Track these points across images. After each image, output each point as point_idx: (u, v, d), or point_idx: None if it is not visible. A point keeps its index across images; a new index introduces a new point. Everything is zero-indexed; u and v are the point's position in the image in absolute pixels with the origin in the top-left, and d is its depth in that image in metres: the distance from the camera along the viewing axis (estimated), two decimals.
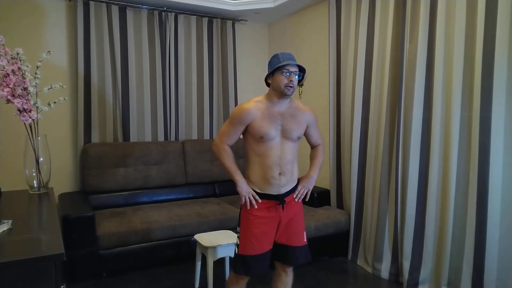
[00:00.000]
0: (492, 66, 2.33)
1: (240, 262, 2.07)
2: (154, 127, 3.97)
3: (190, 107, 4.16)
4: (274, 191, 2.04)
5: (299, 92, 4.18)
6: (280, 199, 2.04)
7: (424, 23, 2.71)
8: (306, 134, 2.19)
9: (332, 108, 3.63)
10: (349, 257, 3.45)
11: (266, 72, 2.07)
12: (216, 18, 4.22)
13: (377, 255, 3.14)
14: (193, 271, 2.90)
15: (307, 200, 2.18)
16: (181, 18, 4.03)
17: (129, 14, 3.78)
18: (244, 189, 2.03)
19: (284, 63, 1.95)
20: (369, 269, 3.22)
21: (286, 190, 2.07)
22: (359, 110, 3.28)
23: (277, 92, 2.01)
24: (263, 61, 4.64)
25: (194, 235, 2.87)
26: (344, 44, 3.45)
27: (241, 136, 2.14)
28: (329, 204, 3.73)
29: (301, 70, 2.04)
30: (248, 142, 2.07)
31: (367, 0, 3.16)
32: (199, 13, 4.10)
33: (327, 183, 3.80)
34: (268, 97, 2.06)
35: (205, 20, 4.17)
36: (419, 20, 2.72)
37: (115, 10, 3.69)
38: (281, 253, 2.11)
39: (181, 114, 4.12)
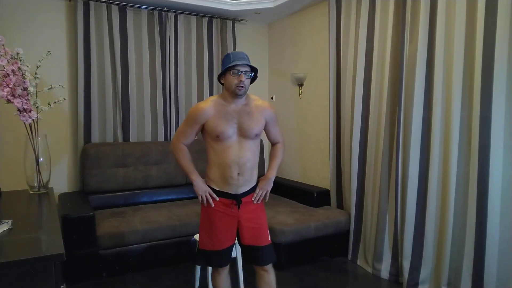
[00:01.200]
0: (492, 66, 2.33)
1: (200, 256, 2.13)
2: (154, 127, 3.97)
3: (190, 107, 4.12)
4: (232, 190, 2.05)
5: (299, 92, 4.18)
6: (237, 199, 2.06)
7: (424, 23, 2.71)
8: (265, 131, 2.17)
9: (332, 108, 3.63)
10: (349, 257, 3.45)
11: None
12: (216, 18, 4.22)
13: (377, 255, 3.14)
14: (193, 271, 2.90)
15: (266, 201, 2.18)
16: (181, 18, 4.03)
17: (129, 14, 3.78)
18: (201, 188, 2.07)
19: (234, 63, 1.94)
20: (369, 269, 3.22)
21: (244, 190, 2.08)
22: (359, 110, 3.27)
23: (230, 92, 2.00)
24: (263, 61, 4.65)
25: (194, 235, 2.87)
26: (344, 44, 3.45)
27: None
28: (329, 204, 3.73)
29: (254, 70, 2.02)
30: (207, 141, 2.09)
31: (367, 0, 3.16)
32: (199, 13, 4.10)
33: (327, 183, 3.80)
34: (223, 96, 2.06)
35: (205, 20, 4.17)
36: (419, 20, 2.72)
37: (115, 10, 3.69)
38: (250, 255, 2.13)
39: (181, 114, 4.11)
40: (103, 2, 3.62)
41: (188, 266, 3.12)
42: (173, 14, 3.97)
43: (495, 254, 2.39)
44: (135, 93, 3.84)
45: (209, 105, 2.03)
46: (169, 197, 3.82)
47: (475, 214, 2.46)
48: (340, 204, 3.64)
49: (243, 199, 2.08)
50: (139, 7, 3.81)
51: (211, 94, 4.26)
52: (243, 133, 2.02)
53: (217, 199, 2.06)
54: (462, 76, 2.53)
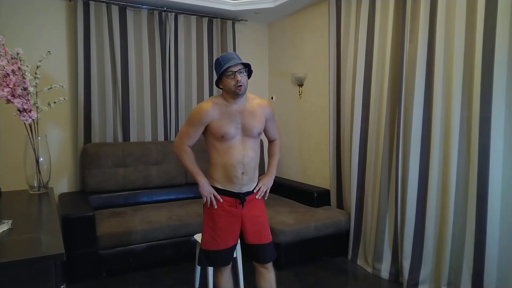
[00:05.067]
0: (492, 66, 2.33)
1: (203, 256, 2.13)
2: (154, 127, 3.98)
3: (190, 107, 4.15)
4: (235, 189, 2.07)
5: (299, 92, 4.18)
6: (240, 198, 2.07)
7: (424, 23, 2.71)
8: (264, 128, 2.19)
9: (332, 108, 3.63)
10: (349, 257, 3.45)
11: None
12: (216, 18, 4.22)
13: (377, 255, 3.14)
14: (193, 271, 2.90)
15: (266, 198, 2.21)
16: (181, 18, 4.03)
17: (129, 14, 3.78)
18: (206, 189, 2.08)
19: (225, 66, 1.95)
20: (369, 269, 3.22)
21: (248, 190, 2.10)
22: (359, 110, 3.27)
23: (230, 94, 2.01)
24: (263, 61, 4.65)
25: (194, 235, 2.87)
26: (344, 44, 3.45)
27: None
28: (329, 204, 3.72)
29: (246, 65, 2.02)
30: (210, 141, 2.08)
31: (367, 0, 3.16)
32: (199, 13, 4.10)
33: (327, 183, 3.80)
34: (224, 97, 2.07)
35: (205, 20, 4.17)
36: (419, 20, 2.72)
37: (115, 10, 3.69)
38: (255, 253, 2.15)
39: (181, 114, 4.12)
40: (103, 2, 3.62)
41: (188, 266, 3.12)
42: (173, 14, 3.97)
43: (495, 254, 2.39)
44: (135, 93, 3.84)
45: (212, 106, 2.03)
46: (169, 197, 3.82)
47: (475, 214, 2.46)
48: (340, 204, 3.64)
49: (247, 198, 2.10)
50: (139, 7, 3.81)
51: (211, 94, 4.26)
52: (246, 132, 2.04)
53: (221, 200, 2.08)
54: (462, 76, 2.53)
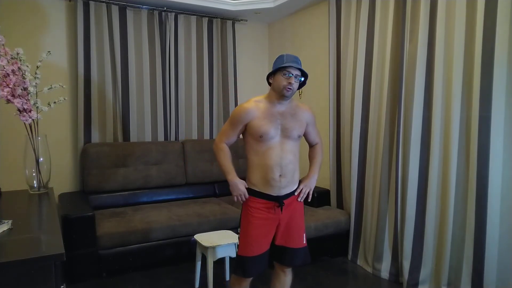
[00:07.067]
0: (491, 66, 2.34)
1: (239, 263, 2.08)
2: (154, 127, 3.98)
3: (190, 107, 4.16)
4: (274, 192, 2.04)
5: (299, 92, 4.18)
6: (279, 201, 2.04)
7: (424, 23, 2.71)
8: (305, 133, 2.19)
9: (332, 108, 3.63)
10: (349, 257, 3.45)
11: (266, 72, 2.07)
12: (216, 18, 4.22)
13: (377, 255, 3.14)
14: (193, 271, 2.90)
15: (309, 200, 2.17)
16: (181, 18, 4.03)
17: (129, 14, 3.78)
18: (236, 188, 2.05)
19: (286, 64, 1.96)
20: (369, 269, 3.22)
21: (286, 192, 2.06)
22: (359, 110, 3.28)
23: (276, 93, 2.02)
24: (263, 61, 4.65)
25: (194, 235, 2.87)
26: (344, 44, 3.45)
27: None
28: (329, 204, 3.72)
29: (304, 75, 2.04)
30: (248, 142, 2.07)
31: (367, 0, 3.16)
32: (199, 13, 4.10)
33: (327, 183, 3.80)
34: (269, 97, 2.07)
35: (205, 20, 4.17)
36: (419, 20, 2.72)
37: (115, 10, 3.69)
38: (279, 254, 2.11)
39: (181, 114, 4.12)
40: (103, 2, 3.62)
41: (188, 266, 3.12)
42: (173, 14, 3.97)
43: (495, 254, 2.39)
44: (135, 93, 3.84)
45: (252, 105, 2.04)
46: (169, 197, 3.82)
47: (475, 214, 2.47)
48: (340, 204, 3.64)
49: (286, 201, 2.05)
50: (139, 7, 3.81)
51: (211, 94, 4.26)
52: (286, 134, 2.02)
53: (247, 196, 2.05)
54: (462, 76, 2.53)
